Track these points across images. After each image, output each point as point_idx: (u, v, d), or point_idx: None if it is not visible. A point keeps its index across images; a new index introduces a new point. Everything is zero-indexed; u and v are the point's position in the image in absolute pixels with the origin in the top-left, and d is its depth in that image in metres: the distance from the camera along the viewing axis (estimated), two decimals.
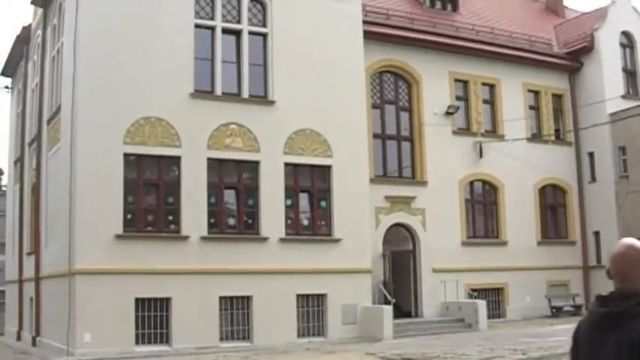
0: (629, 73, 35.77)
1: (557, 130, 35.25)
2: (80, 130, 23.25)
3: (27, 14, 33.48)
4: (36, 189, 28.64)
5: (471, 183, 32.15)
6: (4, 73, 37.35)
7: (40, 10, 30.28)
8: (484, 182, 32.50)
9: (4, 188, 50.74)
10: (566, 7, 42.34)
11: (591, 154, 34.58)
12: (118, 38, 23.91)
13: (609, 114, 33.51)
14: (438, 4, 35.13)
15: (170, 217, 24.21)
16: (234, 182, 25.36)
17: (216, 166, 24.92)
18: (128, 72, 23.84)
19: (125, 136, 23.64)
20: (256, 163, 25.47)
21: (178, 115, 24.38)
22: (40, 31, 30.02)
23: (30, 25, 32.78)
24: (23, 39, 32.92)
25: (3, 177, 54.56)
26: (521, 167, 32.56)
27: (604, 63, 34.75)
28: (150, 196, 24.24)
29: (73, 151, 23.38)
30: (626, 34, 35.97)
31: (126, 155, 23.63)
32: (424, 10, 33.94)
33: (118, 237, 22.95)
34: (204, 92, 25.07)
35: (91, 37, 23.77)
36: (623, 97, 34.53)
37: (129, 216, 23.45)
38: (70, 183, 23.20)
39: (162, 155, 24.22)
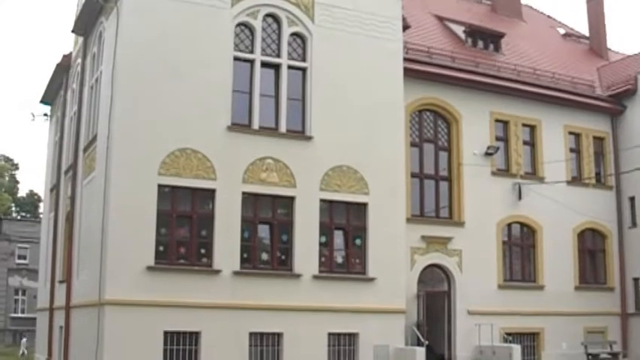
0: None
1: (597, 174, 34.68)
2: (115, 160, 23.11)
3: (68, 42, 33.71)
4: (70, 217, 28.56)
5: (509, 225, 31.59)
6: (44, 101, 37.49)
7: (80, 39, 30.39)
8: (522, 225, 31.93)
9: (40, 216, 51.03)
10: (610, 49, 41.96)
11: (632, 199, 33.96)
12: (156, 68, 23.85)
13: None
14: (480, 44, 34.81)
15: (202, 251, 23.93)
16: (268, 217, 25.04)
17: (251, 200, 24.66)
18: (165, 103, 23.74)
19: (160, 167, 23.49)
20: (291, 199, 25.18)
21: (214, 147, 24.20)
22: (79, 60, 30.11)
23: (70, 54, 32.93)
24: (63, 67, 33.06)
25: (40, 204, 55.00)
26: (560, 210, 31.99)
27: None
28: (183, 229, 23.96)
29: (107, 181, 23.25)
30: None
31: (160, 186, 23.45)
32: (466, 49, 33.66)
33: (149, 269, 22.69)
34: (241, 125, 24.88)
35: (128, 66, 23.70)
36: None
37: (161, 248, 23.21)
38: (103, 212, 23.05)
39: (196, 188, 23.99)
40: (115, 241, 22.52)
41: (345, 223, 26.18)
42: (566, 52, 39.91)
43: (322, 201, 25.65)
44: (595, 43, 41.57)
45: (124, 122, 23.34)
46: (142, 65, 23.75)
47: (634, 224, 33.72)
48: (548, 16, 45.22)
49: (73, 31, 30.33)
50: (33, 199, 75.94)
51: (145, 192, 23.10)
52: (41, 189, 43.35)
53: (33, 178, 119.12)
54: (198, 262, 23.76)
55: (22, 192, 76.42)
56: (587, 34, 42.63)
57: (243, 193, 24.49)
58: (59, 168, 32.42)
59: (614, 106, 34.99)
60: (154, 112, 23.59)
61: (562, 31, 43.31)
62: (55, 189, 33.11)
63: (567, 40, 42.35)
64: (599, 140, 34.84)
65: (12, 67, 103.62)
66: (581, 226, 33.16)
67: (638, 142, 33.44)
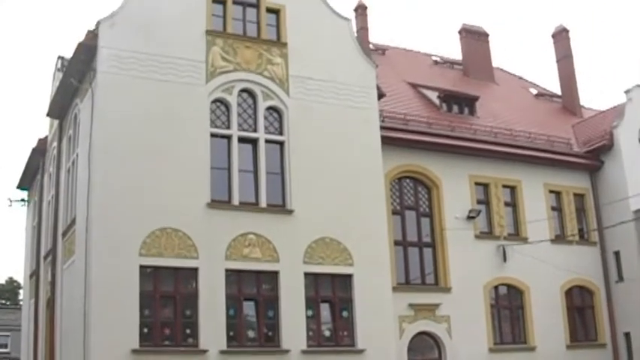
0: None
1: (580, 230, 34.58)
2: (95, 242, 22.84)
3: (43, 126, 33.80)
4: (51, 303, 28.14)
5: (496, 287, 31.33)
6: (21, 186, 37.26)
7: (55, 122, 30.34)
8: (509, 286, 31.68)
9: (20, 302, 50.43)
10: (583, 106, 42.21)
11: (617, 253, 33.83)
12: (132, 148, 23.76)
13: (633, 211, 32.88)
14: (455, 108, 34.92)
15: (188, 331, 23.53)
16: (253, 293, 24.77)
17: (234, 277, 24.39)
18: (143, 182, 23.59)
19: (141, 247, 23.23)
20: (276, 274, 24.93)
21: (195, 225, 24.00)
22: (55, 143, 30.01)
23: (46, 137, 32.84)
24: (39, 151, 32.95)
25: (20, 291, 54.46)
26: (546, 269, 31.78)
27: (625, 160, 34.26)
28: (167, 309, 23.63)
29: (87, 264, 22.94)
30: None
31: (142, 267, 23.16)
32: (441, 114, 33.75)
33: (134, 352, 22.25)
34: (221, 202, 24.72)
35: (105, 147, 23.61)
36: None
37: (145, 330, 22.80)
38: (85, 296, 22.70)
39: (179, 267, 23.72)
40: (98, 324, 22.12)
41: (331, 295, 25.91)
42: (540, 111, 40.19)
43: (307, 274, 25.37)
44: (568, 101, 41.85)
45: (102, 204, 23.12)
46: (118, 145, 23.65)
47: (620, 278, 33.55)
48: (520, 77, 45.56)
49: (48, 115, 30.25)
50: (12, 286, 75.20)
51: (126, 273, 22.78)
52: (21, 275, 42.85)
53: (12, 265, 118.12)
54: (184, 342, 23.34)
55: (1, 279, 75.70)
56: (559, 92, 42.91)
57: (227, 270, 24.21)
58: (38, 253, 32.05)
59: (592, 162, 35.07)
60: (133, 192, 23.39)
61: (534, 91, 43.62)
62: (34, 275, 32.69)
63: (540, 99, 42.65)
64: (579, 197, 34.84)
65: None
66: (568, 284, 32.95)
67: (618, 196, 33.45)
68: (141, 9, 25.12)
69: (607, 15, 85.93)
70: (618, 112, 35.90)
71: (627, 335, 33.16)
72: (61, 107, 28.63)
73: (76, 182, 25.92)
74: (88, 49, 24.56)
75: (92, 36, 24.49)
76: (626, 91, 36.00)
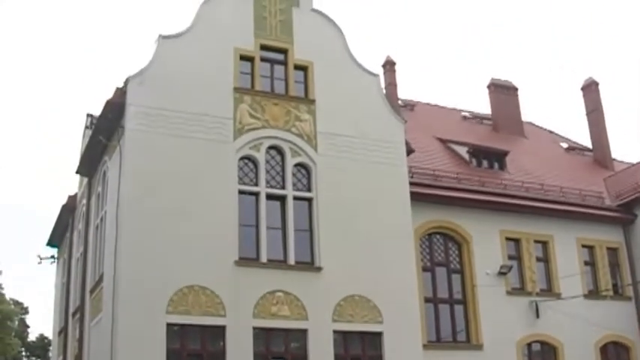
0: None
1: (614, 285, 34.08)
2: (122, 299, 22.73)
3: (73, 183, 33.98)
4: None
5: (529, 344, 30.79)
6: (51, 243, 37.30)
7: (85, 179, 30.46)
8: (542, 343, 31.14)
9: None
10: (615, 160, 41.88)
11: None
12: (160, 205, 23.72)
13: None
14: (485, 163, 34.78)
15: None
16: (281, 352, 24.46)
17: (262, 335, 24.13)
18: (171, 240, 23.51)
19: (168, 305, 23.06)
20: (304, 332, 24.64)
21: (223, 283, 23.84)
22: (85, 200, 30.11)
23: (75, 195, 32.94)
24: (69, 208, 33.05)
25: (50, 348, 54.36)
26: (580, 325, 31.30)
27: None
28: None
29: (114, 321, 22.82)
30: None
31: (169, 325, 22.95)
32: (471, 169, 33.60)
33: None
34: (249, 259, 24.57)
35: (132, 204, 23.60)
36: None
37: None
38: (111, 354, 22.53)
39: (206, 325, 23.50)
40: None
41: (361, 353, 25.53)
42: (571, 165, 39.92)
43: (336, 332, 25.08)
44: (599, 154, 41.58)
45: (129, 261, 23.04)
46: (146, 203, 23.64)
47: None
48: (550, 131, 45.42)
49: (77, 172, 30.35)
50: (43, 343, 74.98)
51: (153, 331, 22.59)
52: (51, 332, 42.84)
53: (43, 322, 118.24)
54: None
55: (32, 336, 75.57)
56: (590, 145, 42.65)
57: (254, 329, 23.96)
58: (67, 310, 32.01)
59: (624, 216, 34.66)
60: (160, 250, 23.31)
61: (565, 144, 43.45)
62: (63, 332, 32.64)
63: (571, 153, 42.44)
64: (612, 251, 34.40)
65: (18, 207, 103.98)
66: (602, 340, 32.35)
67: None
68: (168, 66, 25.27)
69: (637, 66, 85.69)
70: None
71: None
72: (90, 164, 28.72)
73: (104, 239, 25.95)
74: (116, 107, 24.70)
75: (120, 93, 24.65)
76: None
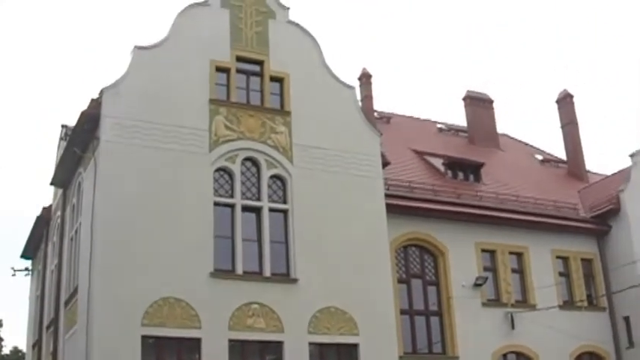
0: None
1: (589, 296, 34.22)
2: (96, 312, 22.60)
3: (48, 195, 33.81)
4: None
5: (505, 355, 30.85)
6: (25, 255, 36.98)
7: (59, 191, 30.26)
8: (518, 354, 31.22)
9: None
10: (589, 171, 42.11)
11: (627, 319, 33.41)
12: (135, 217, 23.65)
13: None
14: (461, 175, 34.89)
15: None
16: None
17: (238, 347, 24.07)
18: (146, 251, 23.42)
19: (143, 317, 22.94)
20: (280, 344, 24.58)
21: (198, 295, 23.74)
22: (59, 212, 29.90)
23: (50, 206, 32.72)
24: (43, 220, 32.79)
25: None
26: (555, 336, 31.33)
27: (632, 224, 34.02)
28: None
29: (89, 334, 22.69)
30: None
31: (144, 338, 22.83)
32: (447, 181, 33.70)
33: None
34: (224, 271, 24.51)
35: (107, 216, 23.52)
36: None
37: None
38: None
39: (182, 337, 23.39)
40: None
41: None
42: (546, 177, 40.12)
43: (312, 344, 25.05)
44: (573, 166, 41.78)
45: (104, 273, 22.92)
46: (121, 215, 23.55)
47: (631, 344, 33.08)
48: (525, 144, 45.62)
49: (52, 183, 30.17)
50: (17, 356, 74.48)
51: (128, 344, 22.47)
52: (25, 345, 42.51)
53: (17, 335, 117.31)
54: None
55: (6, 349, 75.05)
56: (564, 157, 42.87)
57: (230, 341, 23.89)
58: (41, 323, 31.75)
59: (599, 227, 34.83)
60: (135, 262, 23.21)
61: (540, 156, 43.66)
62: (37, 345, 32.35)
63: (546, 165, 42.66)
64: (587, 262, 34.53)
65: None
66: (577, 351, 32.45)
67: (626, 260, 33.17)
68: (144, 77, 25.21)
69: (611, 79, 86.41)
70: (624, 176, 35.80)
71: None
72: (65, 176, 28.55)
73: (79, 251, 25.82)
74: (91, 118, 24.59)
75: (95, 104, 24.56)
76: (632, 155, 35.93)
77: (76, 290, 25.46)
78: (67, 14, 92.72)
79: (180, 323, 23.38)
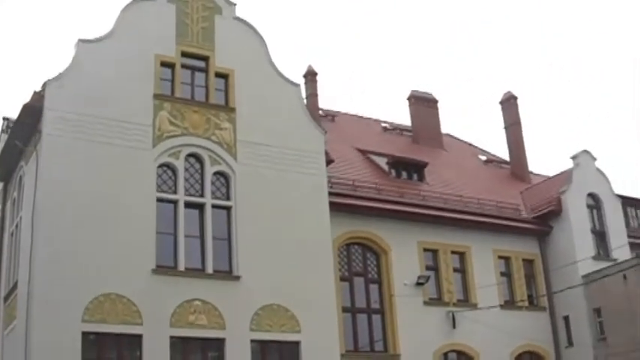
0: (598, 234, 35.54)
1: (530, 296, 34.61)
2: (36, 307, 22.33)
3: None
4: None
5: (446, 354, 31.08)
6: None
7: (0, 184, 29.78)
8: (459, 352, 31.47)
9: None
10: (532, 172, 42.51)
11: (566, 318, 33.89)
12: (77, 212, 23.41)
13: (582, 276, 33.15)
14: (404, 174, 35.03)
15: None
16: None
17: (179, 344, 23.93)
18: (87, 247, 23.18)
19: (84, 313, 22.71)
20: (222, 341, 24.49)
21: (140, 291, 23.58)
22: (0, 206, 29.44)
23: None
24: None
25: None
26: (496, 335, 31.66)
27: (573, 225, 34.63)
28: None
29: (28, 329, 22.40)
30: (592, 196, 36.04)
31: (84, 334, 22.61)
32: (391, 181, 33.81)
33: None
34: (166, 267, 24.37)
35: (49, 210, 23.24)
36: (594, 258, 34.15)
37: None
38: None
39: (122, 334, 23.22)
40: None
41: None
42: (489, 177, 40.46)
43: (254, 342, 25.00)
44: (516, 167, 42.15)
45: (44, 268, 22.65)
46: (62, 209, 23.30)
47: (570, 344, 33.55)
48: (469, 144, 45.98)
49: None
50: None
51: (68, 340, 22.23)
52: None
53: None
54: None
55: None
56: (507, 158, 43.24)
57: (171, 338, 23.76)
58: None
59: (540, 228, 35.27)
60: (76, 257, 22.97)
61: (483, 157, 44.06)
62: None
63: (489, 165, 43.04)
64: (528, 262, 34.93)
65: None
66: (518, 349, 32.82)
67: (567, 260, 33.68)
68: (88, 71, 24.96)
69: (554, 81, 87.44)
70: (566, 177, 36.29)
71: None
72: (5, 169, 28.12)
73: (19, 246, 25.44)
74: (33, 111, 24.32)
75: (38, 97, 24.28)
76: (573, 157, 36.54)
77: (15, 285, 25.14)
78: (11, 4, 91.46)
79: (121, 319, 23.20)
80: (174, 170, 25.53)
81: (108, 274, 23.26)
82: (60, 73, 24.58)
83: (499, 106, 43.78)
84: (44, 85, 24.33)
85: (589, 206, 35.79)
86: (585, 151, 36.82)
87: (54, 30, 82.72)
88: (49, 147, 23.80)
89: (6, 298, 26.55)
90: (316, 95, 38.23)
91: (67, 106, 24.21)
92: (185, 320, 24.11)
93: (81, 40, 25.23)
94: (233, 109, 26.92)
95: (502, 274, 33.90)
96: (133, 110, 25.21)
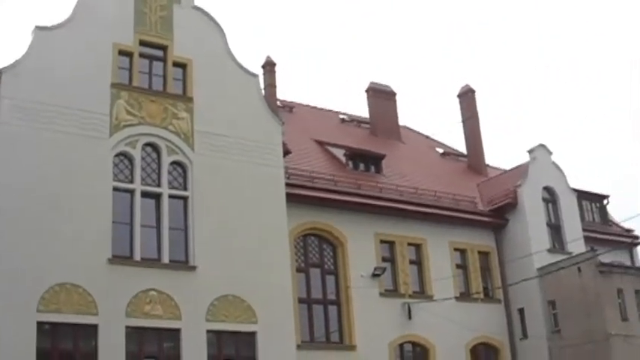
0: (553, 228, 35.93)
1: (485, 288, 34.87)
2: None
3: None
4: None
5: (401, 345, 31.24)
6: None
7: None
8: (414, 344, 31.64)
9: None
10: (489, 165, 42.81)
11: (521, 310, 34.24)
12: (32, 201, 23.18)
13: (537, 269, 33.53)
14: (362, 166, 35.10)
15: None
16: (154, 352, 24.23)
17: (135, 334, 23.78)
18: (42, 236, 22.98)
19: (39, 303, 22.50)
20: (177, 331, 24.42)
21: (95, 281, 23.41)
22: None
23: None
24: None
25: None
26: (451, 327, 31.87)
27: (528, 218, 34.98)
28: None
29: None
30: (548, 189, 36.45)
31: (39, 324, 22.41)
32: (347, 172, 33.87)
33: None
34: (122, 257, 24.24)
35: (3, 199, 22.91)
36: (550, 251, 34.59)
37: None
38: None
39: (78, 324, 23.04)
40: None
41: (234, 353, 25.49)
42: (445, 170, 40.68)
43: (209, 332, 24.94)
44: (473, 160, 42.40)
45: None
46: (17, 198, 23.03)
47: (525, 336, 33.88)
48: (427, 137, 46.20)
49: None
50: None
51: (23, 330, 22.02)
52: None
53: None
54: None
55: None
56: (464, 151, 43.49)
57: (127, 328, 23.63)
58: None
59: (496, 221, 35.55)
60: (31, 246, 22.75)
61: (440, 150, 44.29)
62: None
63: (446, 158, 43.28)
64: (484, 255, 35.20)
65: None
66: (473, 342, 33.06)
67: (522, 253, 33.99)
68: (45, 59, 24.73)
69: (511, 75, 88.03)
70: (522, 171, 36.60)
71: None
72: None
73: None
74: None
75: None
76: (530, 151, 36.85)
77: None
78: None
79: (76, 309, 23.04)
80: (130, 159, 25.38)
81: (63, 263, 23.09)
82: (16, 60, 24.30)
83: (457, 100, 44.02)
84: (0, 72, 24.04)
85: (545, 200, 36.18)
86: (541, 145, 37.18)
87: (10, 16, 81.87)
88: (4, 135, 23.51)
89: None
90: (274, 86, 38.13)
91: (24, 94, 23.98)
92: (141, 310, 23.98)
93: (37, 27, 24.98)
94: (191, 99, 26.82)
95: (458, 266, 34.13)
96: (90, 99, 25.00)
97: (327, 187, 31.17)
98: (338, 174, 32.72)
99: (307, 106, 42.20)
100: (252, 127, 27.70)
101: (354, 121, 43.09)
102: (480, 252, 35.00)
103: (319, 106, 43.31)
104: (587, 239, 36.18)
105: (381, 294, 31.04)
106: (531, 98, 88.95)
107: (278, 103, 37.96)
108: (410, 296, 31.81)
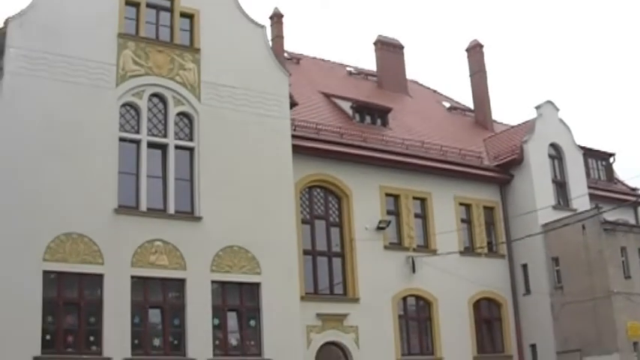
0: (558, 184, 36.05)
1: (489, 243, 35.03)
2: None
3: None
4: None
5: (405, 299, 31.47)
6: None
7: None
8: (418, 297, 31.88)
9: None
10: (495, 121, 42.78)
11: (525, 266, 34.43)
12: (39, 150, 23.18)
13: (541, 225, 33.65)
14: (368, 119, 35.07)
15: (92, 338, 22.95)
16: (159, 301, 24.38)
17: (140, 284, 23.97)
18: (49, 185, 23.03)
19: (45, 252, 22.63)
20: (182, 281, 24.60)
21: (101, 231, 23.53)
22: None
23: None
24: None
25: None
26: (454, 281, 32.12)
27: (534, 175, 35.06)
28: (70, 316, 23.04)
29: None
30: (554, 146, 36.46)
31: (45, 273, 22.54)
32: (354, 125, 33.85)
33: (36, 359, 21.66)
34: (128, 207, 24.32)
35: (10, 148, 22.96)
36: (554, 207, 34.73)
37: (48, 337, 22.22)
38: None
39: (83, 273, 23.17)
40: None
41: (239, 304, 25.71)
42: (452, 124, 40.60)
43: (214, 282, 25.13)
44: (480, 115, 42.34)
45: (5, 207, 22.43)
46: (24, 147, 23.05)
47: (528, 291, 34.09)
48: (434, 91, 46.06)
49: None
50: None
51: (29, 279, 22.14)
52: None
53: None
54: (88, 350, 22.81)
55: None
56: (472, 106, 43.40)
57: (132, 277, 23.79)
58: None
59: (502, 176, 35.61)
60: (38, 196, 22.82)
61: (447, 104, 44.15)
62: None
63: (453, 113, 43.15)
64: (489, 210, 35.32)
65: None
66: (476, 296, 33.31)
67: (527, 209, 34.12)
68: (52, 8, 24.55)
69: (520, 31, 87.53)
70: (529, 127, 36.57)
71: (533, 347, 33.75)
72: None
73: None
74: None
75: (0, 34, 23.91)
76: (537, 107, 36.79)
77: None
78: None
79: (82, 259, 23.16)
80: (137, 110, 25.37)
81: (69, 213, 23.17)
82: (22, 10, 24.14)
83: (465, 54, 43.85)
84: (6, 22, 23.89)
85: (550, 156, 36.20)
86: (549, 102, 37.14)
87: None
88: (11, 84, 23.46)
89: None
90: (282, 38, 37.90)
91: (30, 44, 23.87)
92: (146, 260, 24.12)
93: None
94: (198, 50, 26.72)
95: (462, 220, 34.27)
96: (97, 49, 24.90)
97: (333, 140, 31.17)
98: (344, 126, 32.72)
99: (314, 58, 42.04)
100: (259, 79, 27.61)
101: (362, 73, 42.96)
102: (484, 207, 35.12)
103: (326, 58, 43.17)
104: (592, 197, 36.26)
105: (386, 247, 31.18)
106: (540, 54, 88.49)
107: (285, 54, 37.80)
108: (414, 250, 31.97)
